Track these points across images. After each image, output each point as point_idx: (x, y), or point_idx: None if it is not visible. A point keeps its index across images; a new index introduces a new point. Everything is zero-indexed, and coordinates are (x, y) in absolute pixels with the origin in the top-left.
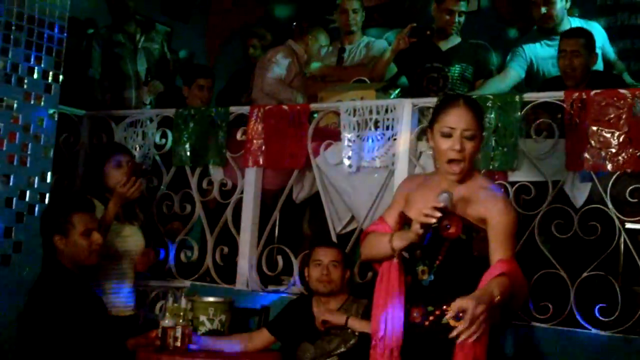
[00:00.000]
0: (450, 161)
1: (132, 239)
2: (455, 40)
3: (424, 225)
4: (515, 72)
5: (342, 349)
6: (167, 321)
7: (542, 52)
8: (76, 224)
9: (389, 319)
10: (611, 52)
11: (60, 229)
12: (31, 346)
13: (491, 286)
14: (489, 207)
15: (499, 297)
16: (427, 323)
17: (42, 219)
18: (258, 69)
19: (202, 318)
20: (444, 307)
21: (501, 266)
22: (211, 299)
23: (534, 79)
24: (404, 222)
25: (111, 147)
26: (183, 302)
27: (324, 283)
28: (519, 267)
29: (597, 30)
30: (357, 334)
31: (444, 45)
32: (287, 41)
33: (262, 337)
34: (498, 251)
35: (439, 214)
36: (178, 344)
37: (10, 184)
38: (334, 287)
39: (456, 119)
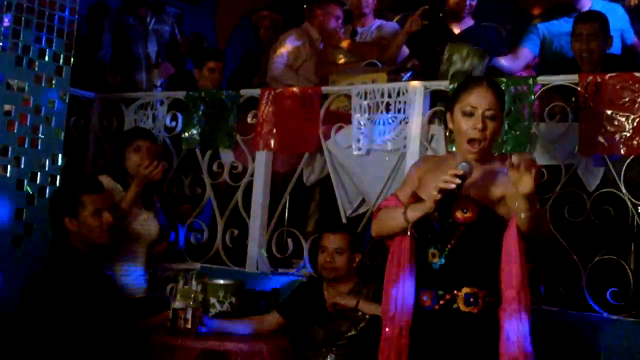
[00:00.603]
0: (471, 140)
1: (147, 224)
2: (468, 22)
3: (442, 191)
4: (527, 51)
5: (353, 332)
6: (177, 303)
7: (560, 29)
8: (86, 205)
9: (399, 297)
10: (631, 36)
11: (70, 210)
12: (42, 327)
13: None
14: (509, 185)
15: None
16: (437, 307)
17: (51, 202)
18: (271, 51)
19: (213, 300)
20: (455, 291)
21: None
22: (221, 281)
23: (549, 58)
24: (416, 202)
25: (134, 132)
26: (194, 284)
27: (327, 270)
28: None
29: (619, 13)
30: (367, 316)
31: (457, 28)
32: (303, 24)
33: (272, 320)
34: None
35: (458, 181)
36: (189, 325)
37: (21, 166)
38: (338, 274)
39: (478, 98)
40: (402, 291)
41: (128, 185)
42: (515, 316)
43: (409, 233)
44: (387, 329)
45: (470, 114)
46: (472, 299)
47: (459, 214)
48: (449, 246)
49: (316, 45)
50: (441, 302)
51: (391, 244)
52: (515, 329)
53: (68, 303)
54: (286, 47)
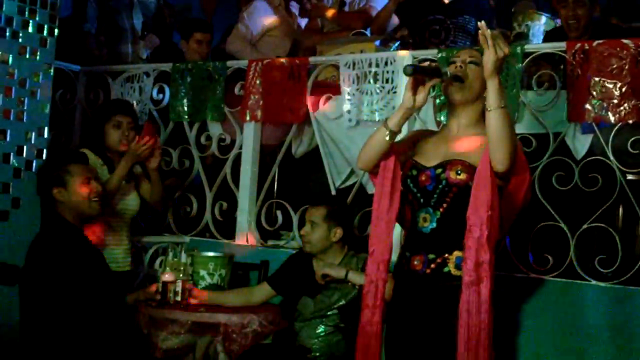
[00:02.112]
0: (454, 79)
1: (130, 197)
2: None
3: (416, 67)
4: None
5: (343, 302)
6: (167, 276)
7: None
8: (74, 174)
9: (379, 232)
10: None
11: (58, 181)
12: (33, 300)
13: None
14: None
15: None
16: (428, 271)
17: (39, 174)
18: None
19: (202, 272)
20: (446, 255)
21: None
22: (211, 253)
23: None
24: (412, 166)
25: (113, 107)
26: (183, 256)
27: (303, 243)
28: None
29: None
30: (357, 287)
31: None
32: None
33: (262, 291)
34: None
35: (434, 63)
36: (178, 298)
37: (7, 139)
38: (311, 248)
39: (463, 51)
40: (381, 226)
41: (109, 159)
42: (475, 281)
43: (387, 138)
44: (368, 266)
45: (454, 62)
46: (463, 263)
47: (452, 175)
48: (441, 209)
49: (280, 11)
50: (432, 265)
51: (376, 181)
52: (475, 296)
53: (59, 276)
54: (244, 22)
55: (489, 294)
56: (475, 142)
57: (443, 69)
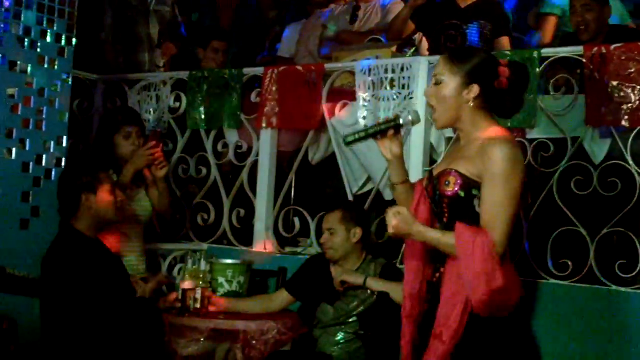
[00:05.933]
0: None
1: (141, 203)
2: None
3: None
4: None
5: (362, 309)
6: (186, 283)
7: None
8: (103, 182)
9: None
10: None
11: (88, 187)
12: (53, 311)
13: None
14: (480, 161)
15: (419, 236)
16: (434, 280)
17: (66, 180)
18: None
19: (221, 280)
20: (440, 267)
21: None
22: (230, 261)
23: None
24: (429, 177)
25: (123, 118)
26: (202, 264)
27: (326, 251)
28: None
29: None
30: (375, 293)
31: (463, 2)
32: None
33: (281, 298)
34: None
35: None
36: (198, 305)
37: (27, 148)
38: (332, 254)
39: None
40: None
41: (121, 169)
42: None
43: (392, 190)
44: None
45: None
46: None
47: (443, 187)
48: (444, 219)
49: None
50: (437, 275)
51: None
52: None
53: (76, 286)
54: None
55: None
56: (469, 150)
57: (397, 120)
